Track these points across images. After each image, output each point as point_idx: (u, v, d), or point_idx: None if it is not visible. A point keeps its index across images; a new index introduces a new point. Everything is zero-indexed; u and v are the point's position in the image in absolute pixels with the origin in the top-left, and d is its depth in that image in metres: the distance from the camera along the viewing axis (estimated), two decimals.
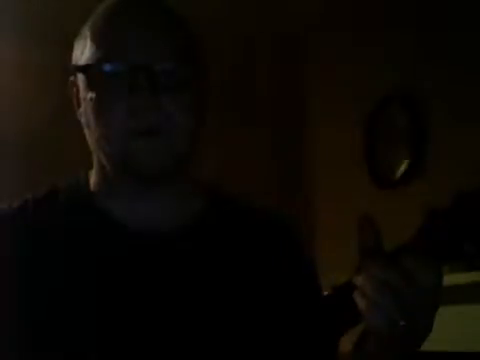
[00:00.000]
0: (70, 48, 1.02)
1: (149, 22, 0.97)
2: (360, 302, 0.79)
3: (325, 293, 0.87)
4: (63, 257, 0.96)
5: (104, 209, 1.00)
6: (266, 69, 3.59)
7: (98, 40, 0.96)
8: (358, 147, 3.26)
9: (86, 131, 0.99)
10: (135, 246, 0.97)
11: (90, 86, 0.95)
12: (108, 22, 0.97)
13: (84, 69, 0.96)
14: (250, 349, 0.94)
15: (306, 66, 3.64)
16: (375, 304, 0.78)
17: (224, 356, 0.94)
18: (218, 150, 3.23)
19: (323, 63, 3.52)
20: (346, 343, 0.91)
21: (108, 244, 0.97)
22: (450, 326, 2.37)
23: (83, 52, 0.97)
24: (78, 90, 0.99)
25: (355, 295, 0.80)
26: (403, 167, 3.02)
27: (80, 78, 0.98)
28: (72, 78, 1.01)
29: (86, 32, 0.98)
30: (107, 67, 0.94)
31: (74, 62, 1.00)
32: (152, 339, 0.92)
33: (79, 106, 1.00)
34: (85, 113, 0.98)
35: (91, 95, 0.95)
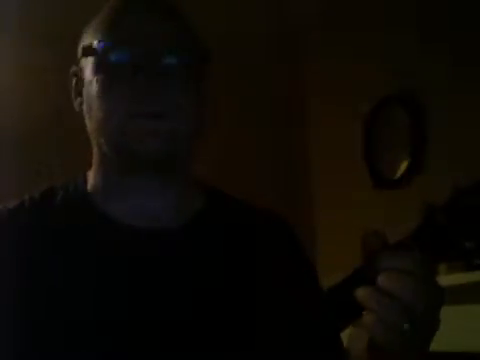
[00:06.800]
0: (70, 48, 1.03)
1: (153, 10, 1.01)
2: (366, 317, 0.78)
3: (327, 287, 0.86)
4: (62, 257, 0.96)
5: (103, 209, 1.00)
6: (266, 69, 3.59)
7: (106, 26, 1.00)
8: (358, 147, 3.26)
9: (87, 119, 1.02)
10: (135, 246, 0.98)
11: (96, 69, 0.98)
12: (115, 10, 1.02)
13: (93, 52, 0.99)
14: (251, 346, 0.94)
15: (306, 66, 3.65)
16: (378, 317, 0.77)
17: (226, 353, 0.94)
18: (218, 150, 3.23)
19: (323, 63, 3.52)
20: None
21: (108, 243, 0.97)
22: (450, 326, 2.37)
23: (91, 38, 1.01)
24: (79, 79, 1.03)
25: (365, 312, 0.78)
26: (403, 167, 3.02)
27: (86, 62, 1.01)
28: (74, 68, 1.04)
29: (95, 21, 1.03)
30: (113, 51, 0.97)
31: (82, 48, 1.03)
32: (152, 339, 0.92)
33: (79, 95, 1.03)
34: (87, 98, 1.00)
35: (97, 77, 0.98)
